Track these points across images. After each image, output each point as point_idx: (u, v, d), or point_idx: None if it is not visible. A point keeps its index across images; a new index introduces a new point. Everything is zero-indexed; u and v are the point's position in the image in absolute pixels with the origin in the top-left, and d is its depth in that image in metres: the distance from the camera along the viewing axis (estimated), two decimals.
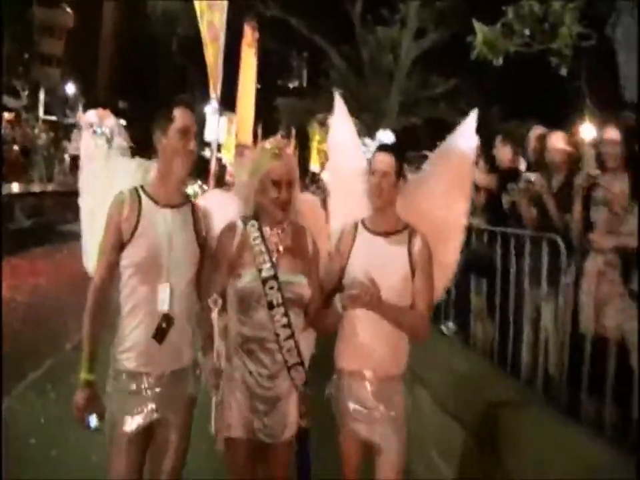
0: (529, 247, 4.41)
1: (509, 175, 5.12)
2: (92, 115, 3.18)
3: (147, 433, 2.82)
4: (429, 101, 17.07)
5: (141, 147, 3.31)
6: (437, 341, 5.21)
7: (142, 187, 2.86)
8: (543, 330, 4.39)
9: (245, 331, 2.86)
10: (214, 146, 14.64)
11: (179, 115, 2.78)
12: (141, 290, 2.78)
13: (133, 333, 2.79)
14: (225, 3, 15.64)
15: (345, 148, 3.43)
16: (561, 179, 4.42)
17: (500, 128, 16.90)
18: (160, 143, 2.80)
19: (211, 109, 14.70)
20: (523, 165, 5.61)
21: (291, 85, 26.68)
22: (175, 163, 2.79)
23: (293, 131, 19.79)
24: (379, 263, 2.94)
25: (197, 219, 2.93)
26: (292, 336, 2.86)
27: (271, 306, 2.82)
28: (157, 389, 2.81)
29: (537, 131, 4.98)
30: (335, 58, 17.28)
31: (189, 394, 2.92)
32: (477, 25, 8.96)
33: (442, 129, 16.96)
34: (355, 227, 3.11)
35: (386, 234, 3.04)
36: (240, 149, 19.99)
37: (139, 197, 2.81)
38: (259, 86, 21.03)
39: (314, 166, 22.30)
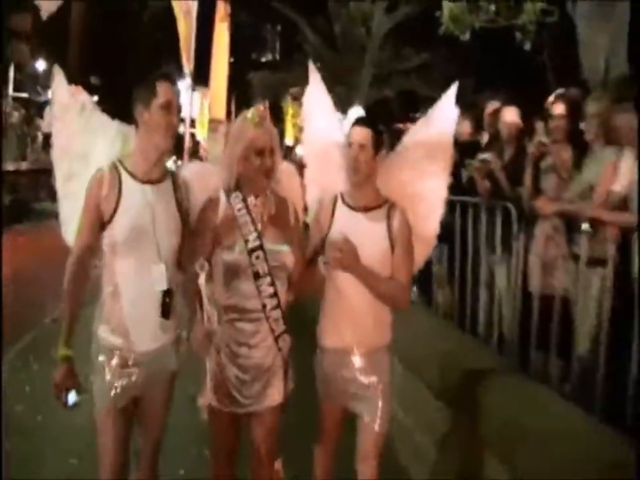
0: (485, 215, 4.79)
1: (467, 149, 5.46)
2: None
3: (131, 407, 2.89)
4: (401, 74, 17.34)
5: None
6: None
7: (120, 161, 2.84)
8: (497, 291, 4.80)
9: (230, 301, 2.90)
10: (187, 121, 14.77)
11: (162, 90, 2.76)
12: (125, 268, 2.79)
13: (117, 311, 2.81)
14: None
15: (321, 119, 3.44)
16: (511, 151, 4.79)
17: (473, 100, 17.30)
18: (142, 117, 2.78)
19: (184, 84, 14.87)
20: (485, 137, 5.97)
21: (264, 59, 26.73)
22: (157, 137, 2.77)
23: (267, 105, 19.95)
24: (358, 238, 2.95)
25: (179, 192, 2.93)
26: (278, 305, 2.91)
27: (257, 276, 2.86)
28: (141, 365, 2.85)
29: (491, 106, 5.34)
30: (308, 31, 17.45)
31: (171, 369, 2.97)
32: (444, 1, 9.24)
33: (414, 101, 17.28)
34: (334, 200, 3.13)
35: (365, 209, 3.05)
36: (214, 123, 20.08)
37: (119, 173, 2.79)
38: (232, 60, 21.12)
39: (288, 140, 22.51)
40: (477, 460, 3.60)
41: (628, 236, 3.50)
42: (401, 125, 8.55)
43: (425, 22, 10.71)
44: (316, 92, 3.50)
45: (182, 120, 13.49)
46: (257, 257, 2.85)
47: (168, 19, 16.91)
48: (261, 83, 18.08)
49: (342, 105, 14.00)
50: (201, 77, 17.90)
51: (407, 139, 3.33)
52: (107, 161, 2.85)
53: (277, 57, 26.92)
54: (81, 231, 2.79)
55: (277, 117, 20.46)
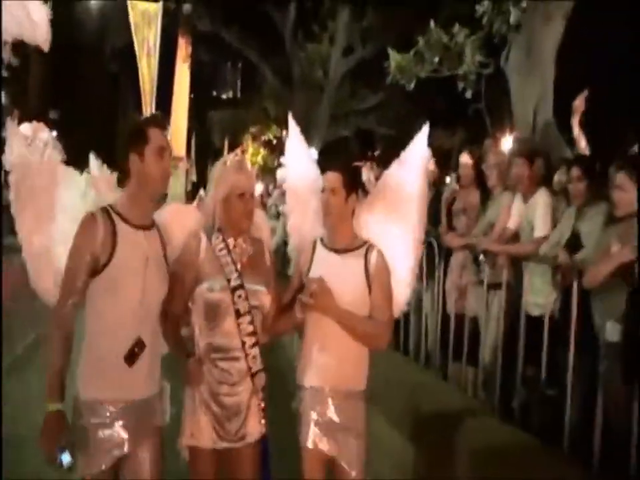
0: None
1: None
2: (26, 129, 3.14)
3: (116, 467, 2.79)
4: (358, 114, 18.48)
5: (73, 158, 3.27)
6: None
7: (111, 207, 2.79)
8: (424, 314, 5.77)
9: (211, 340, 3.01)
10: None
11: (154, 136, 2.76)
12: (114, 314, 2.74)
13: (102, 358, 2.74)
14: (160, 17, 16.62)
15: (300, 169, 3.62)
16: (431, 194, 5.80)
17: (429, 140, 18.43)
18: (134, 164, 2.75)
19: None
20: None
21: (224, 96, 27.73)
22: (152, 184, 2.78)
23: (226, 143, 20.85)
24: (335, 279, 3.09)
25: (162, 238, 2.95)
26: (257, 343, 3.03)
27: (238, 314, 2.98)
28: (126, 420, 2.76)
29: None
30: (267, 72, 18.54)
31: (157, 424, 2.91)
32: (391, 53, 10.34)
33: (371, 140, 18.44)
34: (314, 243, 3.30)
35: (343, 251, 3.21)
36: (174, 161, 20.94)
37: (112, 218, 2.74)
38: (192, 96, 22.05)
39: None
40: None
41: (518, 263, 4.50)
42: (359, 164, 9.52)
43: (380, 64, 11.75)
44: (295, 142, 3.72)
45: None
46: (239, 296, 2.99)
47: (128, 54, 17.72)
48: (221, 122, 18.99)
49: None
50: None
51: (381, 181, 3.52)
52: (80, 213, 2.81)
53: (238, 94, 27.89)
54: (72, 277, 2.71)
55: None
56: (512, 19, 9.46)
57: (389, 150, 18.12)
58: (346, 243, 3.22)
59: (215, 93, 26.99)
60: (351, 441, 3.18)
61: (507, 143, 8.89)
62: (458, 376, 5.09)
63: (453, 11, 11.85)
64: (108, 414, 2.73)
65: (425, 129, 3.52)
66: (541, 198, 4.57)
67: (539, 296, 4.32)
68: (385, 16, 16.03)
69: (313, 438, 3.16)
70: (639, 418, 3.34)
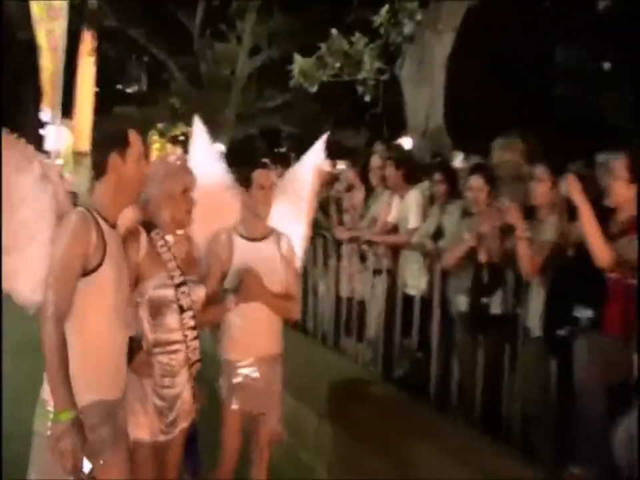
0: (311, 240, 6.73)
1: None
2: None
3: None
4: (264, 113, 19.34)
5: None
6: None
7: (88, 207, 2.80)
8: (320, 298, 6.74)
9: (154, 335, 3.12)
10: (54, 154, 15.73)
11: (134, 140, 2.86)
12: (108, 315, 2.78)
13: (100, 360, 2.76)
14: (66, 11, 16.85)
15: (207, 165, 3.84)
16: (325, 194, 6.80)
17: (335, 138, 19.56)
18: (115, 166, 2.80)
19: (49, 116, 15.99)
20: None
21: (130, 90, 27.92)
22: (132, 184, 2.87)
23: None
24: (259, 265, 3.51)
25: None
26: (197, 336, 3.22)
27: (182, 310, 3.12)
28: (115, 419, 2.82)
29: None
30: (175, 69, 19.11)
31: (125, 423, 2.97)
32: (295, 57, 11.28)
33: (277, 138, 19.24)
34: (229, 234, 3.61)
35: (260, 239, 3.63)
36: (78, 156, 21.10)
37: (95, 218, 2.74)
38: (96, 90, 22.25)
39: None
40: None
41: (397, 252, 5.51)
42: (266, 160, 10.33)
43: (286, 65, 12.50)
44: (201, 140, 4.07)
45: (47, 153, 14.55)
46: (183, 292, 3.14)
47: (32, 50, 17.85)
48: (127, 117, 19.38)
49: None
50: (66, 110, 18.87)
51: (285, 178, 4.18)
52: (39, 203, 2.75)
53: (144, 87, 28.07)
54: (66, 279, 2.65)
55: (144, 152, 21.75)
56: (406, 30, 10.57)
57: (295, 148, 19.07)
58: (261, 231, 3.65)
59: (120, 87, 27.15)
60: (276, 397, 3.71)
61: (402, 144, 9.83)
62: (350, 350, 6.09)
63: (353, 20, 12.91)
64: (104, 414, 2.75)
65: (324, 137, 4.28)
66: (414, 196, 5.59)
67: (414, 279, 5.35)
68: (291, 19, 16.97)
69: (240, 402, 3.59)
70: (482, 366, 4.40)
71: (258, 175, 3.58)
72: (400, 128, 10.68)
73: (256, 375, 3.62)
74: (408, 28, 10.47)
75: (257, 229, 3.64)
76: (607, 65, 10.62)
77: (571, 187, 3.58)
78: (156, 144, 20.72)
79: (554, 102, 13.06)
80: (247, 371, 3.61)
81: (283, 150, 20.81)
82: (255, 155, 21.30)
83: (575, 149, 5.22)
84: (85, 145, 21.70)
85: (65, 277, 2.66)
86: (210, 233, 3.60)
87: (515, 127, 10.94)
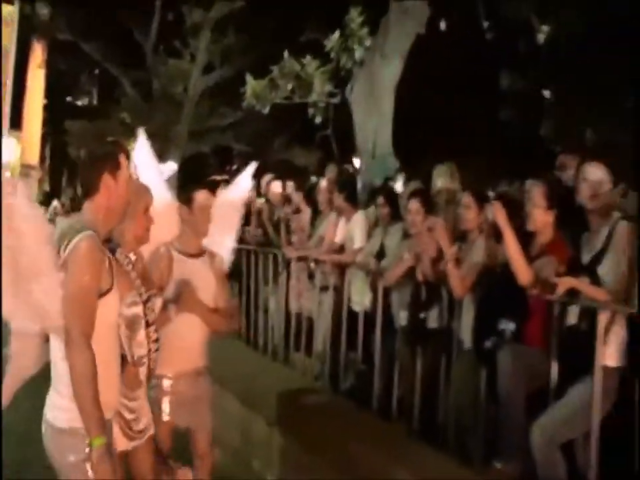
0: (262, 259, 7.12)
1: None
2: None
3: None
4: (216, 130, 19.61)
5: None
6: None
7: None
8: (270, 314, 7.11)
9: (131, 351, 3.17)
10: (2, 167, 15.81)
11: (124, 161, 2.99)
12: (113, 338, 2.98)
13: (100, 377, 2.78)
14: (16, 21, 16.89)
15: (149, 178, 3.87)
16: (279, 212, 7.20)
17: (285, 157, 20.02)
18: (108, 186, 2.91)
19: None
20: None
21: (80, 103, 27.92)
22: (122, 206, 3.02)
23: (82, 153, 21.16)
24: (195, 278, 3.71)
25: None
26: (158, 348, 3.34)
27: (147, 324, 3.22)
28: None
29: (265, 178, 7.77)
30: (127, 85, 19.25)
31: None
32: (248, 78, 11.69)
33: (229, 155, 19.44)
34: (167, 249, 3.79)
35: (196, 255, 3.85)
36: (25, 169, 21.07)
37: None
38: (45, 102, 22.24)
39: None
40: None
41: (343, 270, 5.92)
42: (217, 178, 10.68)
43: (239, 83, 12.82)
44: (144, 157, 4.20)
45: None
46: (149, 307, 3.26)
47: None
48: (78, 131, 19.43)
49: (159, 158, 15.84)
50: (14, 121, 18.86)
51: (220, 198, 4.22)
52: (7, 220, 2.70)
53: (94, 101, 28.10)
54: (86, 304, 2.75)
55: None
56: (356, 55, 11.08)
57: (246, 166, 19.26)
58: (198, 248, 3.88)
59: (70, 99, 27.13)
60: (207, 407, 3.92)
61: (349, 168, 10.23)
62: (299, 364, 6.47)
63: (305, 42, 13.39)
64: (106, 432, 2.79)
65: (252, 166, 4.84)
66: (358, 218, 6.03)
67: (359, 295, 5.76)
68: (245, 38, 17.37)
69: (173, 414, 3.76)
70: (421, 377, 4.81)
71: (200, 195, 3.82)
72: (350, 149, 11.15)
73: (183, 388, 3.80)
74: (358, 53, 10.98)
75: (193, 245, 3.86)
76: (547, 93, 11.28)
77: (496, 213, 4.03)
78: None
79: (499, 127, 13.74)
80: (174, 384, 3.79)
81: (234, 167, 21.18)
82: (207, 172, 21.64)
83: (519, 172, 5.66)
84: (34, 157, 21.72)
85: (87, 300, 2.74)
86: (151, 247, 3.70)
87: (462, 151, 11.58)
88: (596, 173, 3.79)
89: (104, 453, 2.68)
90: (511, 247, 3.97)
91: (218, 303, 3.88)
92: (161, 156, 16.88)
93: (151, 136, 15.09)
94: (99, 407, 2.69)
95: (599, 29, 9.86)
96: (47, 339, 2.97)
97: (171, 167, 13.49)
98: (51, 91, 22.22)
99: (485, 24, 10.52)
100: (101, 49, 18.92)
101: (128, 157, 3.07)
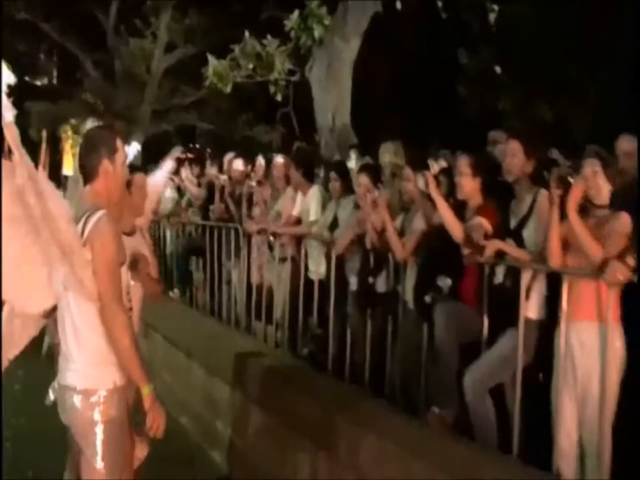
0: (224, 234, 7.55)
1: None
2: None
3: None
4: (180, 109, 19.89)
5: None
6: (168, 302, 8.29)
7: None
8: (233, 285, 7.56)
9: None
10: None
11: (120, 144, 3.28)
12: (125, 303, 3.31)
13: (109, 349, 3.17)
14: None
15: None
16: (239, 190, 7.63)
17: (247, 134, 20.34)
18: (107, 171, 3.24)
19: None
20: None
21: (39, 82, 27.76)
22: (120, 189, 3.35)
23: (44, 135, 21.27)
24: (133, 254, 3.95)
25: None
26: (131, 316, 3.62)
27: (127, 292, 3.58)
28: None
29: (227, 156, 8.19)
30: (89, 66, 19.39)
31: None
32: (210, 58, 11.99)
33: (192, 134, 19.69)
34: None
35: (130, 234, 4.16)
36: None
37: None
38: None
39: (67, 170, 23.94)
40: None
41: (300, 242, 6.38)
42: (181, 155, 11.01)
43: (201, 62, 13.12)
44: None
45: None
46: (127, 293, 3.55)
47: None
48: (39, 113, 19.52)
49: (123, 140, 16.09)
50: None
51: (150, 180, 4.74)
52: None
53: (54, 80, 28.01)
54: (115, 272, 3.16)
55: (56, 148, 21.95)
56: (316, 34, 11.46)
57: (210, 144, 19.62)
58: (132, 228, 4.24)
59: (28, 79, 26.99)
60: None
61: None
62: (260, 332, 6.94)
63: (266, 21, 13.71)
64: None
65: (176, 150, 5.78)
66: (313, 193, 6.48)
67: (315, 265, 6.23)
68: (206, 17, 17.63)
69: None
70: (370, 336, 5.29)
71: (137, 178, 4.23)
72: (310, 126, 11.54)
73: None
74: (317, 32, 11.34)
75: (129, 224, 4.18)
76: (498, 69, 11.79)
77: (427, 182, 4.53)
78: (69, 140, 20.94)
79: (458, 102, 14.26)
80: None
81: (197, 146, 21.46)
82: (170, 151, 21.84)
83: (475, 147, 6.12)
84: None
85: (116, 270, 3.16)
86: None
87: (419, 126, 12.04)
88: (512, 148, 4.31)
89: (155, 398, 3.18)
90: (441, 208, 4.46)
91: (153, 274, 4.29)
92: (126, 136, 17.24)
93: (115, 117, 15.48)
94: (140, 359, 3.15)
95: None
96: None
97: (135, 147, 13.78)
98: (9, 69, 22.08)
99: (440, 3, 10.90)
100: (61, 29, 19.00)
101: (122, 139, 3.35)
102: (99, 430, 3.17)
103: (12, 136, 2.86)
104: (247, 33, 11.83)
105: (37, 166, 3.04)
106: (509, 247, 4.22)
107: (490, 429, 4.15)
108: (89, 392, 3.17)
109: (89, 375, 3.20)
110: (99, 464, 3.17)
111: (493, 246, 4.22)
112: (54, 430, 3.73)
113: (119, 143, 3.29)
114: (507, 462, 3.84)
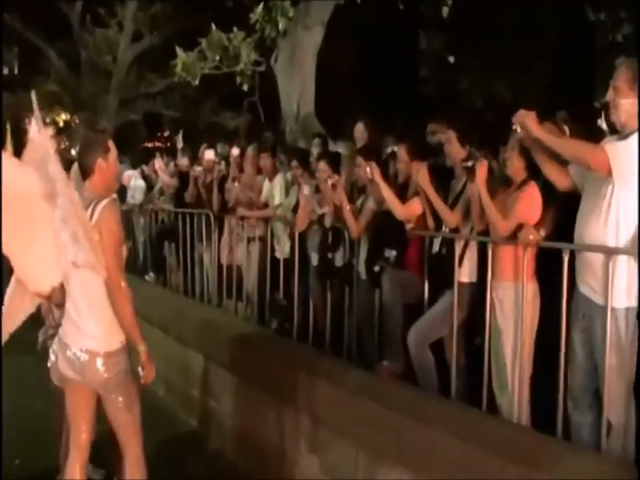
0: (196, 219, 8.35)
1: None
2: None
3: None
4: (146, 98, 20.40)
5: None
6: (143, 286, 9.10)
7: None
8: (205, 267, 8.39)
9: None
10: None
11: (111, 145, 3.97)
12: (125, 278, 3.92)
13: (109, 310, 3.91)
14: None
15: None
16: (210, 177, 8.43)
17: (214, 120, 20.90)
18: (101, 168, 3.92)
19: None
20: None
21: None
22: (115, 181, 4.06)
23: (8, 127, 21.66)
24: None
25: None
26: None
27: None
28: None
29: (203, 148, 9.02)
30: (53, 56, 19.75)
31: None
32: (178, 51, 12.67)
33: (159, 122, 20.16)
34: None
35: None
36: None
37: None
38: None
39: None
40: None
41: (267, 223, 7.19)
42: (149, 144, 11.71)
43: (167, 50, 13.74)
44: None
45: None
46: None
47: None
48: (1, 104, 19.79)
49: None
50: None
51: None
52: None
53: (15, 71, 28.25)
54: (120, 249, 3.90)
55: (20, 139, 22.33)
56: (280, 26, 12.21)
57: (176, 132, 19.98)
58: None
59: None
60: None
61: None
62: (231, 309, 7.78)
63: (231, 12, 14.36)
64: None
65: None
66: (278, 179, 7.33)
67: (280, 244, 7.06)
68: (171, 6, 18.22)
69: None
70: (330, 305, 6.13)
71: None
72: (275, 114, 12.31)
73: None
74: (281, 24, 12.09)
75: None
76: (451, 59, 12.73)
77: (370, 169, 5.36)
78: None
79: (418, 84, 15.17)
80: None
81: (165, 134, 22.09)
82: (138, 139, 22.47)
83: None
84: None
85: (120, 249, 3.87)
86: None
87: (383, 110, 12.84)
88: (449, 137, 5.22)
89: (149, 355, 3.97)
90: (384, 192, 5.29)
91: None
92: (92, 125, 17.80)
93: (81, 107, 16.09)
94: (137, 322, 3.92)
95: None
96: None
97: None
98: None
99: None
100: (24, 20, 19.34)
101: (113, 140, 4.00)
102: (120, 382, 3.96)
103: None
104: (213, 26, 12.52)
105: None
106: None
107: (431, 377, 5.00)
108: (110, 354, 3.91)
109: (107, 339, 3.92)
110: (128, 408, 4.01)
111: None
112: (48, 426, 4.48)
113: (110, 143, 3.97)
114: (446, 402, 4.65)
